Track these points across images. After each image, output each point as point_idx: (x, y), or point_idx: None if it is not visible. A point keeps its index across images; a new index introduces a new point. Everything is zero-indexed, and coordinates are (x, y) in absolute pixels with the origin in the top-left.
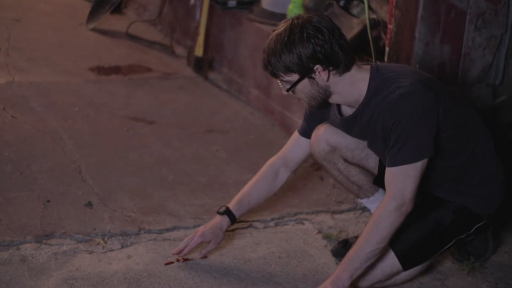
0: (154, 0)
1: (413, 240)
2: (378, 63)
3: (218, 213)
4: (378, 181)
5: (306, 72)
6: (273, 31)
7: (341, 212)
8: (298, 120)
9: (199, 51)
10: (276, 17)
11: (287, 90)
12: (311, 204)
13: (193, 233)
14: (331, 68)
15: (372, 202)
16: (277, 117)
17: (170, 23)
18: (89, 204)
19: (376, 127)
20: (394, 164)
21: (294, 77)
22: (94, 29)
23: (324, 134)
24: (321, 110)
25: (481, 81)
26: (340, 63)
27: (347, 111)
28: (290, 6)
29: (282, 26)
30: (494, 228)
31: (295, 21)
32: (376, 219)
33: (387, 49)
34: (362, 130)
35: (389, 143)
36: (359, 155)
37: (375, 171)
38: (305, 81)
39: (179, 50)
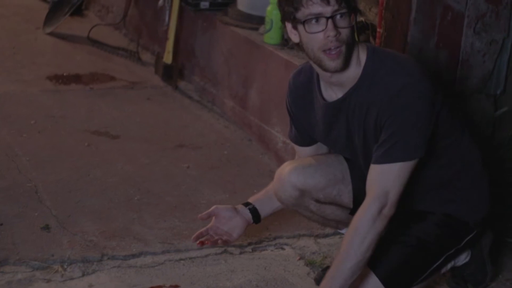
0: (118, 1)
1: (396, 261)
2: (374, 45)
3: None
4: (355, 211)
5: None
6: None
7: (326, 236)
8: (277, 134)
9: (168, 58)
10: (253, 19)
11: (346, 27)
12: (292, 227)
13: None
14: None
15: None
16: (255, 131)
17: (136, 26)
18: (47, 228)
19: (367, 115)
20: (383, 161)
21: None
22: (52, 33)
23: (289, 178)
24: (301, 106)
25: (481, 90)
26: None
27: (332, 96)
28: (269, 8)
29: None
30: (492, 252)
31: None
32: (356, 226)
33: None
34: (349, 118)
35: (380, 136)
36: (331, 193)
37: (350, 205)
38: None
39: (146, 56)
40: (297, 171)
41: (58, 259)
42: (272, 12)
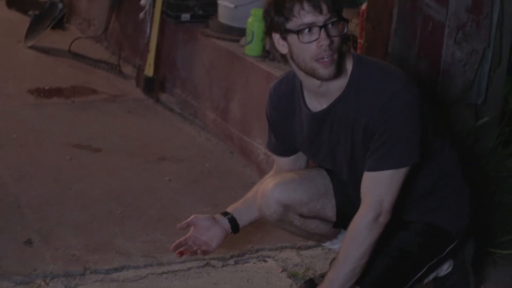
0: (100, 14)
1: (379, 272)
2: (358, 54)
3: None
4: (338, 224)
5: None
6: None
7: (308, 248)
8: (259, 146)
9: (149, 71)
10: (234, 31)
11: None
12: (275, 239)
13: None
14: None
15: (336, 243)
16: (236, 143)
17: (117, 39)
18: (29, 242)
19: (356, 123)
20: (376, 168)
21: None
22: (33, 47)
23: (272, 194)
24: (283, 116)
25: (462, 100)
26: None
27: (316, 107)
28: (250, 20)
29: None
30: (474, 262)
31: None
32: (352, 233)
33: None
34: (334, 127)
35: (372, 144)
36: (315, 207)
37: (334, 219)
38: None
39: (128, 69)
40: (281, 187)
41: (40, 274)
42: (253, 24)
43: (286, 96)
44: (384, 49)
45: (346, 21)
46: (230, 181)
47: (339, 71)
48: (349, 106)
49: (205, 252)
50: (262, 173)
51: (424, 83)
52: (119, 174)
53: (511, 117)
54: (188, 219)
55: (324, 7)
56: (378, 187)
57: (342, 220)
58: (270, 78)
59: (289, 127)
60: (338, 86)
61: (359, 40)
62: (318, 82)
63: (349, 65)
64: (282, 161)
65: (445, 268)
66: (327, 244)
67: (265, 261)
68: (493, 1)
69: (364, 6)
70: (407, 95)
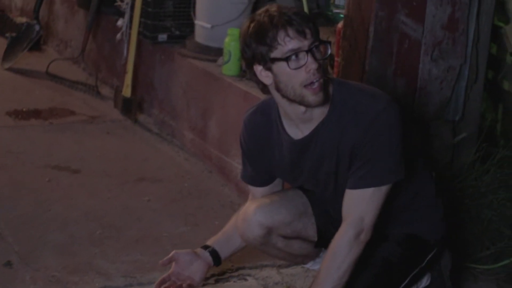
0: (77, 35)
1: (363, 284)
2: (337, 78)
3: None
4: (319, 243)
5: None
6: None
7: (288, 266)
8: (237, 165)
9: (127, 91)
10: (211, 51)
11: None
12: (255, 258)
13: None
14: None
15: (319, 263)
16: (215, 163)
17: (95, 60)
18: (9, 264)
19: (340, 145)
20: (358, 186)
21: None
22: (10, 69)
23: (255, 217)
24: (260, 145)
25: (439, 117)
26: None
27: (297, 134)
28: (227, 39)
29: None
30: (455, 277)
31: None
32: (333, 251)
33: None
34: (317, 151)
35: (354, 162)
36: (297, 226)
37: (315, 238)
38: None
39: (105, 90)
40: (262, 209)
41: None
42: (230, 43)
43: (262, 125)
44: (361, 67)
45: (329, 43)
46: (209, 201)
47: (326, 97)
48: (333, 129)
49: (190, 286)
50: (240, 192)
51: (401, 100)
52: (98, 195)
53: (489, 133)
54: (169, 255)
55: (308, 32)
56: (360, 205)
57: (323, 240)
58: (248, 97)
59: (267, 156)
60: (321, 111)
61: (336, 59)
62: (303, 109)
63: (330, 90)
64: (259, 191)
65: (424, 282)
66: (309, 265)
67: (245, 279)
68: (468, 18)
69: (340, 25)
70: (389, 114)
